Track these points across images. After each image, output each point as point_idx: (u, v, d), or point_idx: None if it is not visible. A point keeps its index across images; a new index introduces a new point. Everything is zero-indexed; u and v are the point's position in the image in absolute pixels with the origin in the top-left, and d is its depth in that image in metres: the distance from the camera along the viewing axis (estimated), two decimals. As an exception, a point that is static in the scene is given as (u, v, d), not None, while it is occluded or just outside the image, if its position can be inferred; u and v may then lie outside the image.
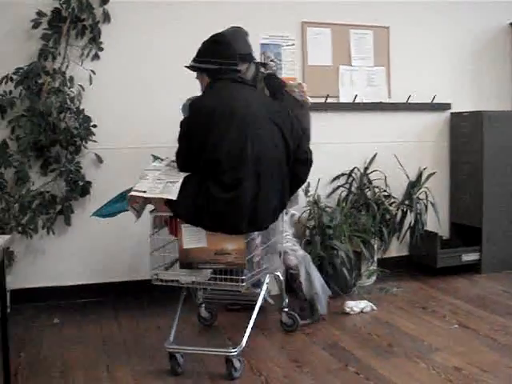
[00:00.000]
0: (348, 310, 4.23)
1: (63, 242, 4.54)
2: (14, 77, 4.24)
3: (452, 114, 5.54)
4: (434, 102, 5.43)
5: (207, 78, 3.33)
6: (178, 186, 3.07)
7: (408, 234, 5.27)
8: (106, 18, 4.48)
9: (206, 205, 3.04)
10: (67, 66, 4.40)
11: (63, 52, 4.40)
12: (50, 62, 4.35)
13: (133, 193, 3.14)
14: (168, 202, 3.09)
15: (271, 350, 3.57)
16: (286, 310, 3.89)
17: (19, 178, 4.24)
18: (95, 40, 4.47)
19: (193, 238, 3.10)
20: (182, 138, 3.22)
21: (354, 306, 4.25)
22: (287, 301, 3.91)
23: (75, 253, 4.56)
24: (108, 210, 3.71)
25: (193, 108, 3.24)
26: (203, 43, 3.36)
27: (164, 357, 3.24)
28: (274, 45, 5.05)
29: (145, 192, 3.11)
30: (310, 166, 3.46)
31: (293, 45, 5.10)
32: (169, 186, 3.10)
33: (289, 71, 5.10)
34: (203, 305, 3.93)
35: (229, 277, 3.14)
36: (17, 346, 3.53)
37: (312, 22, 5.11)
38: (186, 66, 3.38)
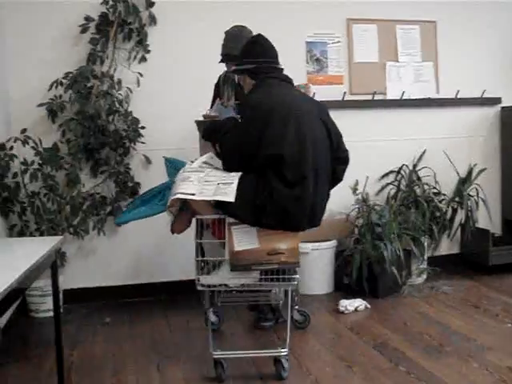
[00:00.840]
0: (342, 309, 4.17)
1: (114, 242, 4.61)
2: (64, 81, 4.33)
3: (503, 108, 5.42)
4: (484, 96, 5.32)
5: (248, 79, 3.32)
6: (234, 187, 2.97)
7: (459, 231, 5.19)
8: (152, 20, 4.54)
9: (267, 203, 2.98)
10: (115, 69, 4.47)
11: (111, 55, 4.47)
12: (98, 66, 4.43)
13: (179, 195, 3.00)
14: (219, 204, 3.02)
15: (320, 349, 3.55)
16: (296, 307, 3.89)
17: (70, 180, 4.32)
18: (142, 43, 4.53)
19: (244, 239, 3.03)
20: (238, 135, 3.12)
21: (348, 304, 4.20)
22: (296, 299, 3.90)
23: (125, 253, 4.63)
24: (133, 215, 3.59)
25: (251, 104, 3.18)
26: (243, 46, 3.38)
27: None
28: (320, 43, 5.03)
29: (193, 194, 2.99)
30: (347, 165, 3.44)
31: (338, 42, 5.07)
32: (222, 187, 2.99)
33: (335, 68, 5.07)
34: (211, 309, 3.76)
35: (281, 276, 3.11)
36: (69, 345, 3.61)
37: (357, 19, 5.07)
38: (230, 71, 3.42)
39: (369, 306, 4.22)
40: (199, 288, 3.17)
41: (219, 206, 3.04)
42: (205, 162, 3.25)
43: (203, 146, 3.56)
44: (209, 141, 3.40)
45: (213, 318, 3.82)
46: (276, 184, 2.99)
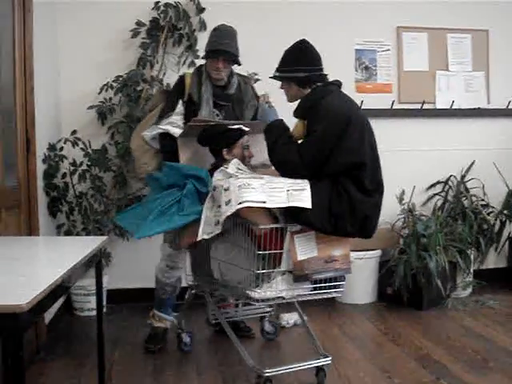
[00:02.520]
0: (284, 323, 4.07)
1: (158, 244, 4.63)
2: (114, 84, 4.41)
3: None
4: (537, 107, 5.21)
5: (296, 87, 3.16)
6: (308, 193, 2.84)
7: (507, 244, 5.07)
8: (202, 26, 4.57)
9: (346, 211, 2.90)
10: (164, 74, 4.53)
11: (161, 60, 4.52)
12: (148, 70, 4.49)
13: (249, 204, 2.74)
14: (288, 212, 2.86)
15: (361, 359, 3.52)
16: (267, 318, 3.86)
17: (117, 182, 4.39)
18: (191, 48, 4.57)
19: (305, 248, 2.92)
20: (316, 142, 2.95)
21: (289, 318, 4.10)
22: (267, 309, 3.84)
23: (148, 258, 4.63)
24: (158, 229, 3.09)
25: (330, 111, 3.01)
26: (287, 52, 3.22)
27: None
28: (369, 50, 5.00)
29: (264, 202, 2.77)
30: None
31: (388, 50, 5.03)
32: (294, 193, 2.83)
33: (384, 77, 5.04)
34: (185, 331, 3.70)
35: (333, 284, 3.03)
36: (111, 345, 3.66)
37: (408, 27, 5.03)
38: (273, 77, 3.25)
39: (305, 318, 3.88)
40: (258, 303, 3.04)
41: (289, 214, 2.89)
42: (240, 169, 3.17)
43: (183, 149, 3.52)
44: (208, 145, 3.43)
45: (187, 339, 3.69)
46: (354, 192, 2.92)
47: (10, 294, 1.70)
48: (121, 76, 4.41)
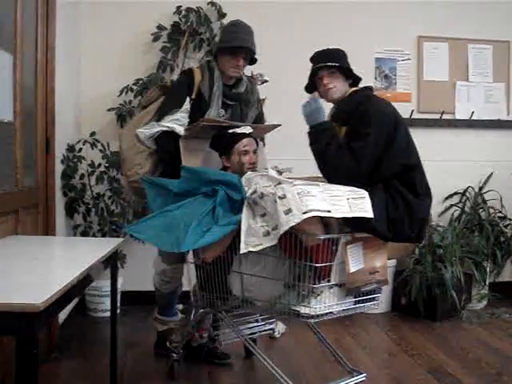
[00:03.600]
0: (276, 333, 3.97)
1: (149, 250, 4.63)
2: (134, 87, 4.43)
3: None
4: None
5: (342, 81, 3.08)
6: (368, 201, 2.67)
7: (524, 257, 5.03)
8: (223, 31, 4.58)
9: (405, 216, 2.83)
10: (184, 78, 4.54)
11: (181, 64, 4.54)
12: (168, 74, 4.51)
13: (316, 213, 2.51)
14: (350, 221, 2.68)
15: (374, 369, 3.49)
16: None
17: (134, 185, 4.40)
18: (212, 53, 4.58)
19: (355, 259, 2.73)
20: (371, 145, 2.86)
21: (277, 328, 3.99)
22: (270, 327, 3.64)
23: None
24: (203, 241, 2.70)
25: (382, 112, 2.96)
26: (331, 49, 3.15)
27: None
28: (389, 59, 5.00)
29: (329, 211, 2.55)
30: None
31: (408, 59, 5.02)
32: (355, 202, 2.64)
33: (404, 86, 5.03)
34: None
35: (373, 296, 2.86)
36: (124, 346, 3.67)
37: (429, 37, 5.01)
38: (328, 65, 3.06)
39: (285, 326, 3.89)
40: (314, 320, 2.73)
41: (354, 223, 2.69)
42: (279, 172, 3.09)
43: (186, 151, 3.22)
44: (217, 150, 3.19)
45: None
46: (408, 195, 2.87)
47: (26, 293, 1.71)
48: (141, 79, 4.44)
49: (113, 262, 2.79)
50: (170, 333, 3.57)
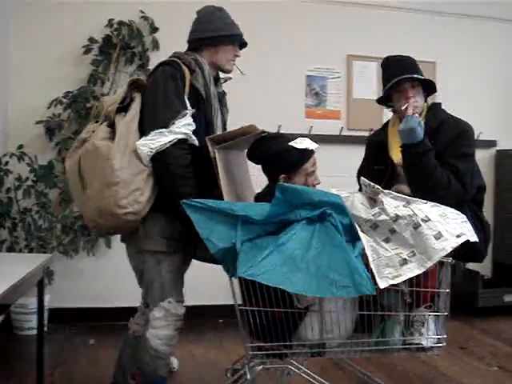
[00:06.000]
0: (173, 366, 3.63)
1: (103, 264, 4.58)
2: (64, 100, 4.36)
3: (498, 151, 5.47)
4: (480, 139, 5.35)
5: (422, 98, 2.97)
6: (469, 224, 2.47)
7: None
8: (155, 45, 4.58)
9: (483, 235, 2.76)
10: (115, 92, 4.49)
11: (112, 78, 4.50)
12: (98, 87, 4.46)
13: (464, 238, 2.34)
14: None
15: None
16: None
17: (63, 199, 4.32)
18: (144, 67, 4.56)
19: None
20: (472, 166, 2.86)
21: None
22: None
23: (114, 275, 4.58)
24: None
25: (472, 131, 2.95)
26: (408, 57, 3.12)
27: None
28: (320, 77, 5.08)
29: (459, 237, 2.35)
30: None
31: (338, 77, 5.12)
32: (465, 225, 2.45)
33: (334, 103, 5.12)
34: None
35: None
36: (51, 365, 3.56)
37: (358, 56, 5.14)
38: (421, 79, 2.97)
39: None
40: (423, 352, 2.57)
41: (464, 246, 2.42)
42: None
43: (223, 171, 2.57)
44: (266, 165, 2.67)
45: None
46: (482, 215, 2.85)
47: None
48: (71, 92, 4.37)
49: (40, 278, 2.72)
50: None
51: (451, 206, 2.49)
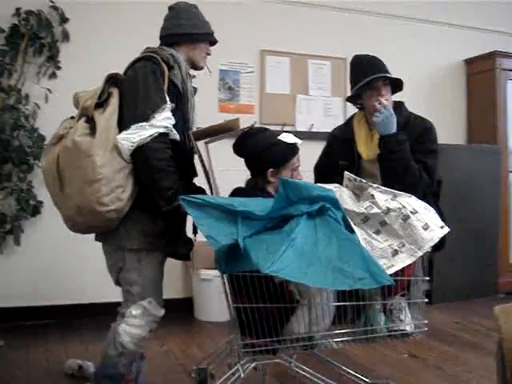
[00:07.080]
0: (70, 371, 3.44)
1: (12, 262, 4.42)
2: (-32, 92, 4.17)
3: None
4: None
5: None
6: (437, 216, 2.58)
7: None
8: (65, 37, 4.46)
9: None
10: (23, 84, 4.35)
11: (19, 69, 4.34)
12: (5, 79, 4.29)
13: (446, 229, 2.47)
14: None
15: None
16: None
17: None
18: (53, 58, 4.44)
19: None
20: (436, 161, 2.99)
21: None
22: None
23: (24, 274, 4.45)
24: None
25: (434, 130, 3.05)
26: (376, 58, 3.11)
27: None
28: (233, 71, 5.09)
29: (442, 227, 2.50)
30: None
31: (252, 72, 5.15)
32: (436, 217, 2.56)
33: (247, 98, 5.15)
34: None
35: None
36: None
37: (271, 51, 5.18)
38: (391, 78, 3.02)
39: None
40: (405, 338, 2.64)
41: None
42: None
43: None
44: (251, 159, 2.71)
45: None
46: (440, 207, 2.88)
47: None
48: (-24, 83, 4.19)
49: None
50: None
51: (420, 199, 2.56)
